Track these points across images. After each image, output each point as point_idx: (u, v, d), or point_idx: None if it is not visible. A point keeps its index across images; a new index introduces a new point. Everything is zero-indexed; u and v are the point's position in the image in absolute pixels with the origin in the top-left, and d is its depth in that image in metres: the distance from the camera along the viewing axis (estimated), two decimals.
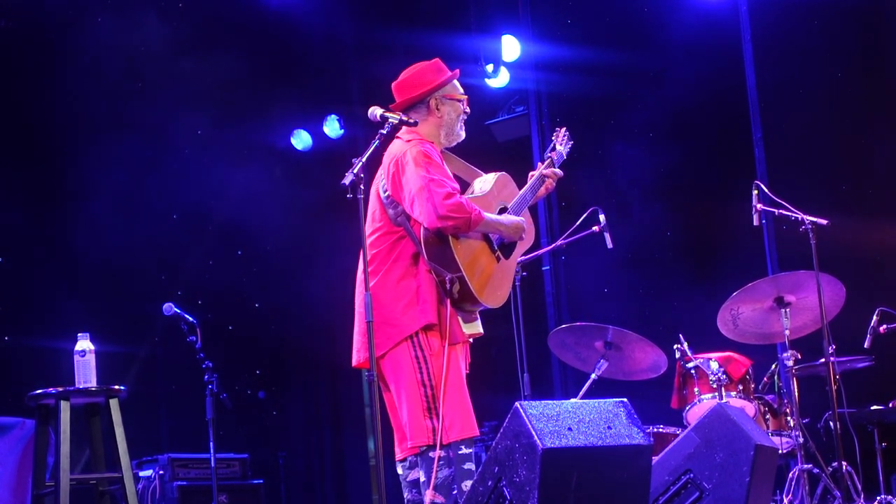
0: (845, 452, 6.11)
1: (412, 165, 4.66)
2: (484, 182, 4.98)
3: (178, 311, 6.37)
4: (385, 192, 4.77)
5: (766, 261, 7.75)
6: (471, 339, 4.83)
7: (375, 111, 4.66)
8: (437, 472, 4.58)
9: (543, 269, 8.96)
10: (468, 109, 4.98)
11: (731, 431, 4.62)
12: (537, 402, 4.16)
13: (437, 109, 4.90)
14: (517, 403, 4.12)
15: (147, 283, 8.84)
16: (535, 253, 6.60)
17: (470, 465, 4.62)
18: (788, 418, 6.38)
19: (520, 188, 5.08)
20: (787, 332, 6.29)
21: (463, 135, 4.97)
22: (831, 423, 6.08)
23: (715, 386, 6.35)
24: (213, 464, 6.45)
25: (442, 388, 4.61)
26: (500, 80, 9.14)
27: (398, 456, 4.79)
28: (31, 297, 8.23)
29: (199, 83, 8.93)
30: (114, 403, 5.45)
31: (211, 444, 6.34)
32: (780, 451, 6.09)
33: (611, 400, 4.28)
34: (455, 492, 4.60)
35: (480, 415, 4.82)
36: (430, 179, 4.61)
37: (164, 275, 9.02)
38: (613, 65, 8.61)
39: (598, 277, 8.55)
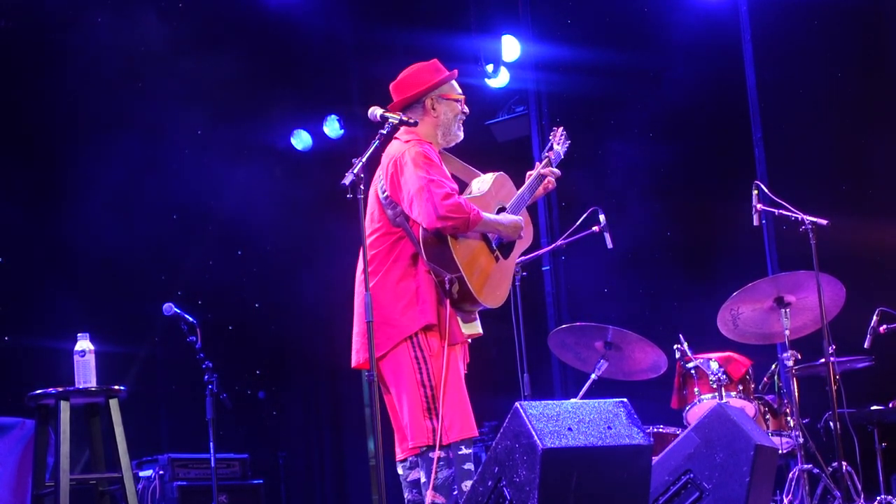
0: (845, 452, 6.11)
1: (411, 166, 4.66)
2: (482, 182, 4.98)
3: (178, 311, 6.37)
4: (384, 192, 4.77)
5: (766, 261, 7.75)
6: (470, 340, 4.83)
7: (375, 111, 4.67)
8: (437, 472, 4.58)
9: (543, 269, 8.96)
10: (466, 110, 4.98)
11: (731, 431, 4.62)
12: (537, 402, 4.16)
13: (433, 109, 4.89)
14: (517, 403, 4.12)
15: (147, 283, 8.84)
16: (535, 253, 6.61)
17: (469, 466, 4.62)
18: (788, 418, 6.38)
19: (518, 188, 5.08)
20: (787, 332, 6.29)
21: (461, 135, 4.97)
22: (831, 423, 6.08)
23: (715, 386, 6.35)
24: (213, 464, 6.44)
25: (442, 389, 4.61)
26: (500, 80, 9.14)
27: (398, 456, 4.79)
28: (31, 297, 8.23)
29: (199, 83, 8.93)
30: (114, 403, 5.45)
31: (211, 444, 6.33)
32: (780, 451, 6.09)
33: (611, 400, 4.28)
34: (455, 492, 4.60)
35: (480, 415, 4.82)
36: (430, 180, 4.61)
37: (164, 275, 9.02)
38: (613, 65, 8.61)
39: (598, 277, 8.55)
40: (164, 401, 9.11)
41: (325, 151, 9.71)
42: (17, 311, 8.18)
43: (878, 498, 6.26)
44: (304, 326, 9.64)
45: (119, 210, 8.54)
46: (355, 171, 4.36)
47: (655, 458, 4.59)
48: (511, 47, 9.06)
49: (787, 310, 6.32)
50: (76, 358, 5.40)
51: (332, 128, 9.71)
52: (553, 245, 6.92)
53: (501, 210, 4.94)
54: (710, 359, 6.44)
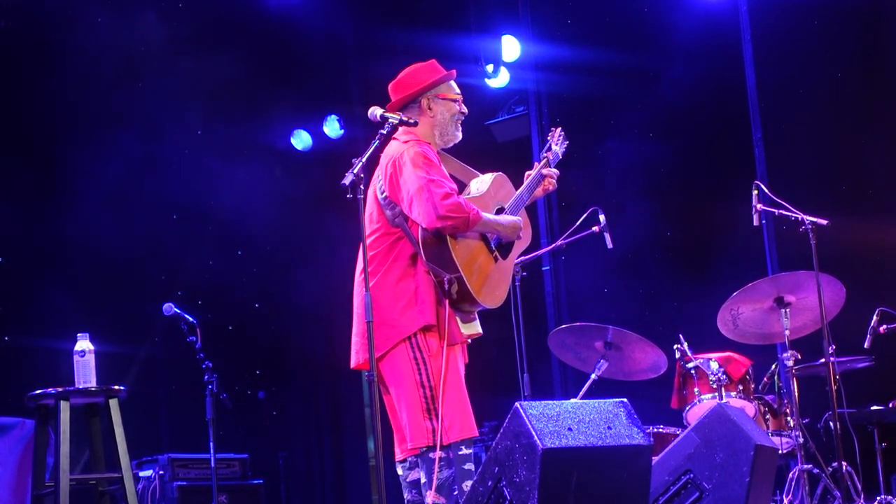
0: (845, 452, 6.11)
1: (410, 166, 4.65)
2: (481, 182, 4.98)
3: (178, 311, 6.37)
4: (382, 193, 4.77)
5: (766, 261, 7.75)
6: (469, 340, 4.82)
7: (375, 111, 4.67)
8: (437, 473, 4.58)
9: (543, 269, 8.96)
10: (465, 110, 4.97)
11: (731, 431, 4.62)
12: (537, 403, 4.16)
13: (430, 109, 4.89)
14: (517, 403, 4.12)
15: (147, 283, 8.84)
16: (535, 253, 6.61)
17: (470, 466, 4.62)
18: (788, 418, 6.38)
19: (517, 189, 5.08)
20: (787, 333, 6.29)
21: (459, 135, 4.96)
22: (831, 424, 6.08)
23: (715, 386, 6.35)
24: (213, 464, 6.44)
25: (441, 389, 4.61)
26: (500, 80, 9.14)
27: (398, 457, 4.79)
28: (31, 297, 8.22)
29: (199, 83, 8.93)
30: (113, 403, 5.45)
31: (211, 444, 6.33)
32: (780, 452, 6.09)
33: (611, 400, 4.28)
34: (455, 492, 4.60)
35: (480, 415, 4.82)
36: (429, 180, 4.61)
37: (164, 275, 9.02)
38: (613, 65, 8.61)
39: (598, 277, 8.55)
40: (164, 401, 9.11)
41: (324, 151, 9.71)
42: (17, 311, 8.18)
43: (878, 498, 6.26)
44: (305, 326, 9.64)
45: (119, 210, 8.54)
46: (355, 171, 4.36)
47: (655, 458, 4.59)
48: (511, 47, 9.06)
49: (787, 310, 6.32)
50: (76, 358, 5.40)
51: (332, 128, 9.71)
52: (553, 245, 6.92)
53: (500, 210, 4.94)
54: (710, 359, 6.44)
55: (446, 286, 4.63)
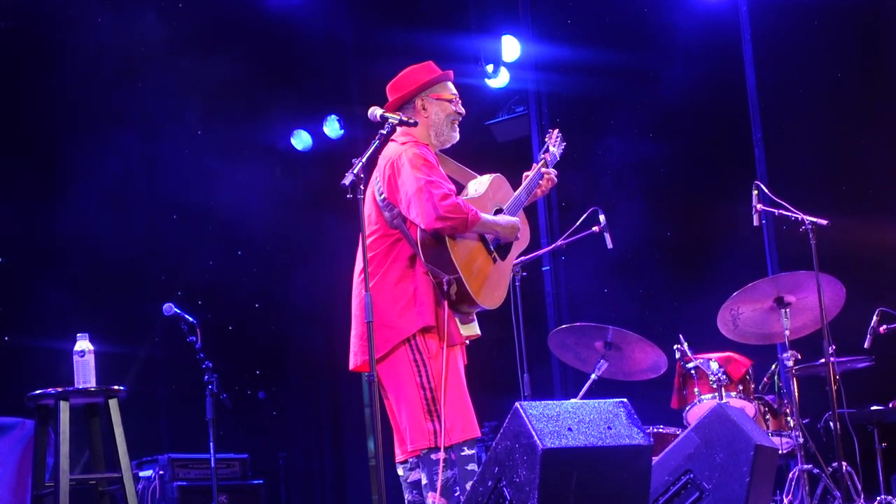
0: (845, 452, 6.11)
1: (408, 167, 4.65)
2: (479, 184, 4.98)
3: (178, 311, 6.37)
4: (381, 194, 4.76)
5: (766, 261, 7.76)
6: (468, 341, 4.82)
7: (375, 111, 4.67)
8: (440, 474, 4.57)
9: (543, 269, 8.96)
10: (461, 110, 4.96)
11: (731, 431, 4.62)
12: (537, 403, 4.16)
13: (424, 109, 4.89)
14: (517, 404, 4.11)
15: (147, 283, 8.84)
16: (535, 253, 6.61)
17: (473, 466, 4.61)
18: (788, 418, 6.38)
19: (515, 189, 5.08)
20: (787, 333, 6.29)
21: (456, 136, 4.96)
22: (831, 424, 6.08)
23: (715, 386, 6.35)
24: (213, 464, 6.44)
25: (443, 391, 4.60)
26: (500, 80, 9.14)
27: (398, 458, 4.79)
28: (31, 297, 8.22)
29: (200, 83, 8.93)
30: (113, 404, 5.45)
31: (211, 444, 6.33)
32: (780, 452, 6.09)
33: (611, 400, 4.28)
34: (458, 493, 4.60)
35: (480, 415, 4.81)
36: (428, 181, 4.61)
37: (164, 275, 9.02)
38: (613, 65, 8.61)
39: (598, 277, 8.55)
40: (164, 401, 9.11)
41: (324, 151, 9.72)
42: (17, 311, 8.18)
43: (878, 498, 6.26)
44: (304, 326, 9.64)
45: (119, 210, 8.55)
46: (355, 171, 4.35)
47: (655, 458, 4.59)
48: (511, 47, 9.06)
49: (787, 310, 6.32)
50: (76, 358, 5.40)
51: (332, 128, 9.71)
52: (553, 245, 6.92)
53: (499, 212, 4.93)
54: (710, 359, 6.44)
55: (445, 287, 4.63)
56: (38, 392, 5.39)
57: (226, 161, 9.07)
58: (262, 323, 9.63)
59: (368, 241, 4.72)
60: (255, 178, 9.19)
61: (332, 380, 9.91)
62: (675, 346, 6.55)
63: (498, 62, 9.06)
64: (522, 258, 5.93)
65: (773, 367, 6.58)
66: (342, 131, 9.69)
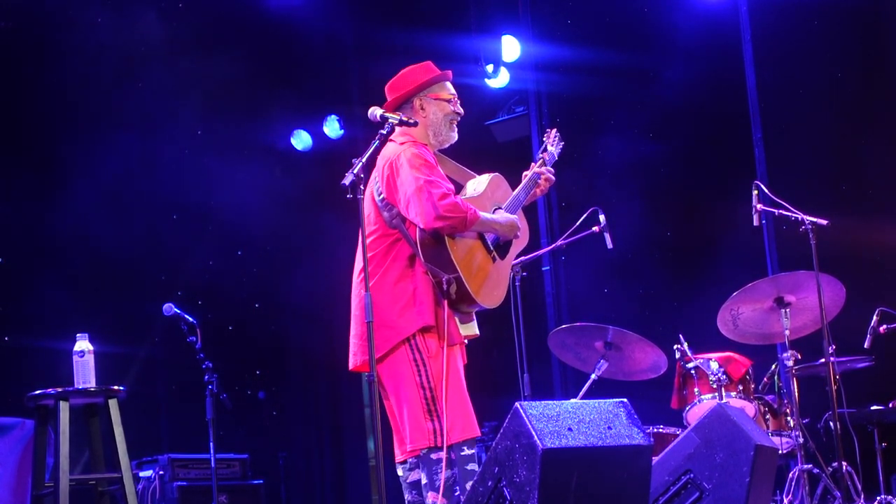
0: (845, 452, 6.10)
1: (407, 167, 4.65)
2: (477, 183, 4.98)
3: (178, 311, 6.37)
4: (380, 194, 4.76)
5: (766, 261, 7.75)
6: (466, 341, 4.82)
7: (375, 111, 4.67)
8: (440, 474, 4.57)
9: (543, 269, 8.96)
10: (460, 110, 4.96)
11: (731, 431, 4.62)
12: (537, 403, 4.16)
13: (422, 109, 4.89)
14: (517, 404, 4.11)
15: (147, 283, 8.84)
16: (535, 253, 6.61)
17: (473, 466, 4.61)
18: (788, 418, 6.38)
19: (514, 189, 5.08)
20: (787, 333, 6.28)
21: (454, 136, 4.95)
22: (831, 423, 6.08)
23: (715, 386, 6.35)
24: (213, 464, 6.44)
25: (442, 390, 4.60)
26: (500, 80, 9.14)
27: (398, 458, 4.78)
28: (30, 297, 8.23)
29: (200, 83, 8.93)
30: (113, 404, 5.44)
31: (211, 444, 6.33)
32: (780, 452, 6.08)
33: (611, 400, 4.28)
34: (457, 493, 4.60)
35: (480, 415, 4.82)
36: (427, 180, 4.60)
37: (164, 275, 9.03)
38: (613, 65, 8.61)
39: (598, 278, 8.54)
40: (164, 401, 9.11)
41: (324, 151, 9.72)
42: (17, 311, 8.18)
43: (878, 498, 6.26)
44: (305, 326, 9.64)
45: (119, 210, 8.54)
46: (355, 171, 4.35)
47: (655, 458, 4.59)
48: (511, 47, 9.06)
49: (787, 310, 6.32)
50: (75, 358, 5.39)
51: (332, 128, 9.71)
52: (553, 245, 6.92)
53: (497, 210, 4.93)
54: (710, 359, 6.44)
55: (445, 287, 4.63)
56: (37, 392, 5.39)
57: (225, 161, 9.07)
58: (262, 323, 9.63)
59: (368, 240, 4.72)
60: (255, 178, 9.19)
61: (331, 380, 9.91)
62: (675, 346, 6.55)
63: (498, 62, 9.06)
64: (522, 258, 5.93)
65: (773, 367, 6.58)
66: (342, 131, 9.69)
